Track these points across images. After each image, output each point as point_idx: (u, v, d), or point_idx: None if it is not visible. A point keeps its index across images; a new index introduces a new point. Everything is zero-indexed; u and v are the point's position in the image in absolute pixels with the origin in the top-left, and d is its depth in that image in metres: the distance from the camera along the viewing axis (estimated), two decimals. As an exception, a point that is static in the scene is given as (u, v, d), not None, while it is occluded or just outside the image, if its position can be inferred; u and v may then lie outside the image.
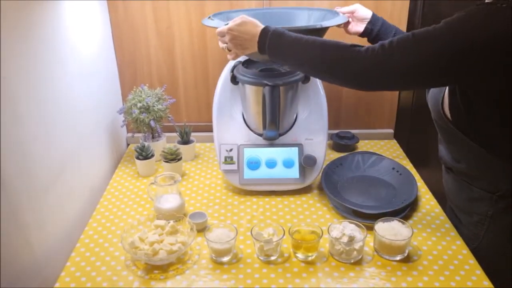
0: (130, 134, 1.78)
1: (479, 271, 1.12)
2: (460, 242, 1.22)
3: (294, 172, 1.44)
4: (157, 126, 1.62)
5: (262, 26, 1.11)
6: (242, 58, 1.49)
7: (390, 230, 1.17)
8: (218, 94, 1.49)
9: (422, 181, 1.52)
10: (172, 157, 1.53)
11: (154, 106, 1.60)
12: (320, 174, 1.46)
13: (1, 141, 0.95)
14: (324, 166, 1.48)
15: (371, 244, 1.21)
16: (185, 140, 1.67)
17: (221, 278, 1.11)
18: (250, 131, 1.48)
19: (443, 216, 1.33)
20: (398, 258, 1.16)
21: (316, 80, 1.48)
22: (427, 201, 1.41)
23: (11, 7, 0.99)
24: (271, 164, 1.44)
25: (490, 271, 1.11)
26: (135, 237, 1.18)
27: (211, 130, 1.51)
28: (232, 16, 1.25)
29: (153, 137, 1.68)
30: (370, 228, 1.20)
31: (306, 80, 1.41)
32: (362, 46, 1.03)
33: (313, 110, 1.49)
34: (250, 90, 1.40)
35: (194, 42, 1.71)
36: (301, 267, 1.15)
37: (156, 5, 1.65)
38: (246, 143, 1.46)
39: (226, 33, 1.15)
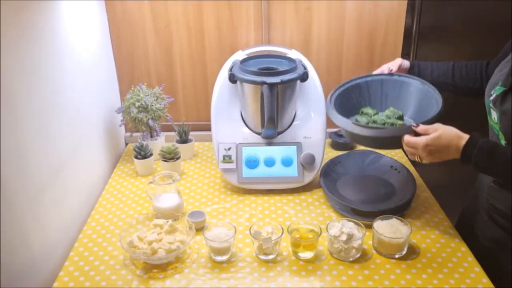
0: (128, 134, 1.78)
1: (477, 268, 1.12)
2: (458, 239, 1.22)
3: (293, 171, 1.44)
4: (155, 125, 1.62)
5: (465, 138, 1.03)
6: (241, 57, 1.49)
7: (389, 228, 1.17)
8: (216, 93, 1.49)
9: (421, 179, 1.52)
10: (171, 156, 1.53)
11: (152, 105, 1.59)
12: (319, 173, 1.46)
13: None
14: (322, 165, 1.48)
15: (370, 242, 1.21)
16: (184, 139, 1.67)
17: (220, 276, 1.11)
18: (248, 130, 1.48)
19: (441, 214, 1.34)
20: (397, 256, 1.16)
21: (314, 78, 1.48)
22: (426, 199, 1.41)
23: (9, 7, 0.99)
24: (269, 163, 1.44)
25: None
26: (134, 236, 1.17)
27: (209, 129, 1.51)
28: None
29: (151, 136, 1.68)
30: (369, 226, 1.20)
31: (304, 78, 1.41)
32: None
33: (311, 108, 1.48)
34: (248, 88, 1.39)
35: (192, 41, 1.70)
36: (300, 265, 1.15)
37: (154, 4, 1.64)
38: (244, 142, 1.46)
39: (422, 148, 1.07)
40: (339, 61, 1.75)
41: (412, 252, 1.18)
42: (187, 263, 1.16)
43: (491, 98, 1.09)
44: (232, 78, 1.40)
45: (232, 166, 1.44)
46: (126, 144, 1.84)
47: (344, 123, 1.22)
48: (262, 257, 1.17)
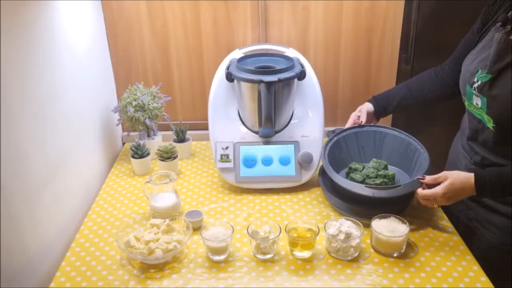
0: (125, 133, 1.77)
1: (476, 267, 1.12)
2: (457, 238, 1.22)
3: (291, 170, 1.43)
4: (152, 124, 1.61)
5: (472, 176, 1.10)
6: (238, 56, 1.48)
7: (387, 226, 1.17)
8: (213, 91, 1.48)
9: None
10: (168, 156, 1.52)
11: (149, 104, 1.59)
12: (317, 171, 1.45)
13: (-6, 140, 0.94)
14: (321, 163, 1.47)
15: (368, 241, 1.20)
16: (181, 138, 1.66)
17: (218, 276, 1.11)
18: (246, 129, 1.47)
19: (440, 212, 1.33)
20: (395, 254, 1.16)
21: (312, 77, 1.47)
22: (424, 197, 1.41)
23: (5, 8, 0.98)
24: (267, 162, 1.44)
25: None
26: (131, 236, 1.17)
27: (206, 128, 1.50)
28: None
29: (148, 136, 1.67)
30: (367, 225, 1.19)
31: (302, 77, 1.41)
32: None
33: (309, 107, 1.48)
34: (245, 87, 1.39)
35: (189, 40, 1.70)
36: (298, 264, 1.14)
37: (151, 3, 1.64)
38: (242, 141, 1.46)
39: (440, 197, 1.14)
40: (336, 59, 1.75)
41: (411, 251, 1.18)
42: (184, 263, 1.15)
43: (476, 85, 1.12)
44: (229, 77, 1.40)
45: (230, 165, 1.43)
46: (123, 143, 1.83)
47: (359, 188, 1.24)
48: (260, 256, 1.16)
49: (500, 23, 1.07)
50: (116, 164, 1.65)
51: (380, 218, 1.20)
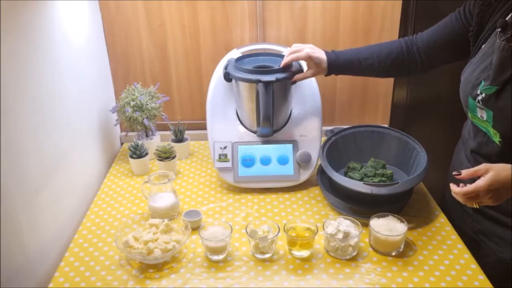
0: (123, 133, 1.77)
1: (474, 265, 1.12)
2: (455, 236, 1.22)
3: (289, 169, 1.43)
4: (150, 124, 1.61)
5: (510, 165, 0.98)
6: (236, 55, 1.48)
7: (385, 225, 1.17)
8: (211, 91, 1.48)
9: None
10: (166, 156, 1.52)
11: (147, 104, 1.59)
12: (315, 171, 1.46)
13: (-8, 141, 0.94)
14: (319, 163, 1.47)
15: (367, 240, 1.21)
16: (179, 138, 1.66)
17: (216, 276, 1.11)
18: (244, 128, 1.47)
19: (438, 211, 1.34)
20: (393, 253, 1.16)
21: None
22: (422, 196, 1.41)
23: (4, 8, 0.98)
24: (265, 161, 1.44)
25: None
26: (129, 236, 1.17)
27: (205, 128, 1.50)
28: None
29: (146, 136, 1.67)
30: (366, 224, 1.20)
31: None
32: None
33: (307, 107, 1.48)
34: (243, 87, 1.39)
35: (187, 39, 1.70)
36: (297, 264, 1.15)
37: (148, 3, 1.63)
38: (240, 141, 1.46)
39: (485, 190, 0.97)
40: (334, 59, 1.74)
41: (409, 250, 1.18)
42: (183, 263, 1.15)
43: (480, 98, 1.07)
44: (227, 77, 1.40)
45: (228, 165, 1.43)
46: (122, 143, 1.83)
47: (357, 185, 1.24)
48: (259, 256, 1.17)
49: (499, 29, 1.02)
50: (114, 164, 1.65)
51: (379, 217, 1.21)
